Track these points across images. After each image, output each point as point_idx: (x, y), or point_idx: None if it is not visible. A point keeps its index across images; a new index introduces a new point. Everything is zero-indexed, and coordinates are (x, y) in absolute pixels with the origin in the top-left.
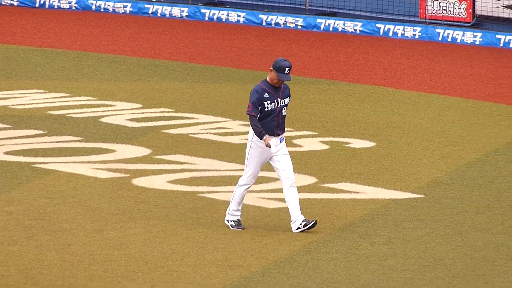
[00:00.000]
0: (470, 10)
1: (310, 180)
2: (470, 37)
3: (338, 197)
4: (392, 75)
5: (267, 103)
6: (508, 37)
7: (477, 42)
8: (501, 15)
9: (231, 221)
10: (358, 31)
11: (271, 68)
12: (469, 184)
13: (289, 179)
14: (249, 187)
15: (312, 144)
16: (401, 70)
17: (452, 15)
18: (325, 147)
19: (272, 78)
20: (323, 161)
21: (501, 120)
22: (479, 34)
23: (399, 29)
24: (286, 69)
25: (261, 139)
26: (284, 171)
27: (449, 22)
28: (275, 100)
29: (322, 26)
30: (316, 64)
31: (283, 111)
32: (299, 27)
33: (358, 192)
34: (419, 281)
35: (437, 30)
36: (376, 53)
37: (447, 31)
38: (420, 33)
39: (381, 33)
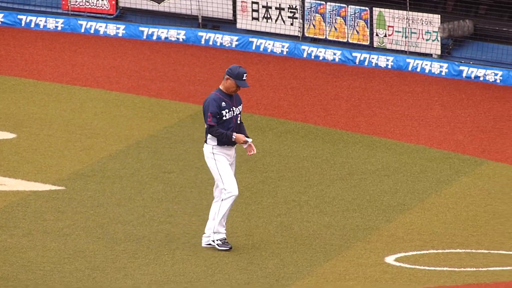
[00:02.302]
0: (113, 2)
1: None
2: (113, 29)
3: None
4: (34, 67)
5: (225, 112)
6: (151, 30)
7: (120, 34)
8: (144, 7)
9: (217, 240)
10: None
11: (227, 76)
12: (110, 176)
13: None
14: (235, 197)
15: None
16: (43, 61)
17: (96, 7)
18: None
19: (228, 86)
20: None
21: (143, 112)
22: (122, 26)
23: (41, 20)
24: (244, 75)
25: (231, 140)
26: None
27: (92, 14)
28: (232, 109)
29: None
30: None
31: (238, 119)
32: None
33: None
34: (58, 274)
35: (79, 21)
36: (17, 44)
37: (90, 23)
38: (62, 25)
39: (23, 25)
